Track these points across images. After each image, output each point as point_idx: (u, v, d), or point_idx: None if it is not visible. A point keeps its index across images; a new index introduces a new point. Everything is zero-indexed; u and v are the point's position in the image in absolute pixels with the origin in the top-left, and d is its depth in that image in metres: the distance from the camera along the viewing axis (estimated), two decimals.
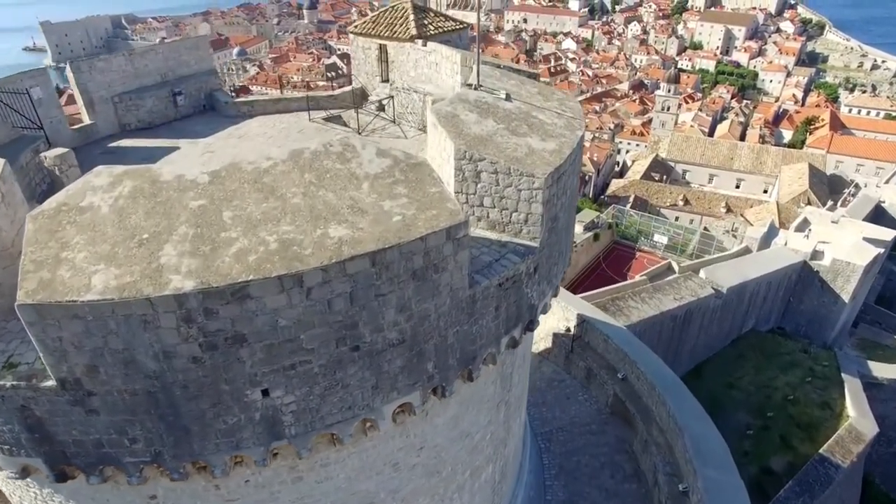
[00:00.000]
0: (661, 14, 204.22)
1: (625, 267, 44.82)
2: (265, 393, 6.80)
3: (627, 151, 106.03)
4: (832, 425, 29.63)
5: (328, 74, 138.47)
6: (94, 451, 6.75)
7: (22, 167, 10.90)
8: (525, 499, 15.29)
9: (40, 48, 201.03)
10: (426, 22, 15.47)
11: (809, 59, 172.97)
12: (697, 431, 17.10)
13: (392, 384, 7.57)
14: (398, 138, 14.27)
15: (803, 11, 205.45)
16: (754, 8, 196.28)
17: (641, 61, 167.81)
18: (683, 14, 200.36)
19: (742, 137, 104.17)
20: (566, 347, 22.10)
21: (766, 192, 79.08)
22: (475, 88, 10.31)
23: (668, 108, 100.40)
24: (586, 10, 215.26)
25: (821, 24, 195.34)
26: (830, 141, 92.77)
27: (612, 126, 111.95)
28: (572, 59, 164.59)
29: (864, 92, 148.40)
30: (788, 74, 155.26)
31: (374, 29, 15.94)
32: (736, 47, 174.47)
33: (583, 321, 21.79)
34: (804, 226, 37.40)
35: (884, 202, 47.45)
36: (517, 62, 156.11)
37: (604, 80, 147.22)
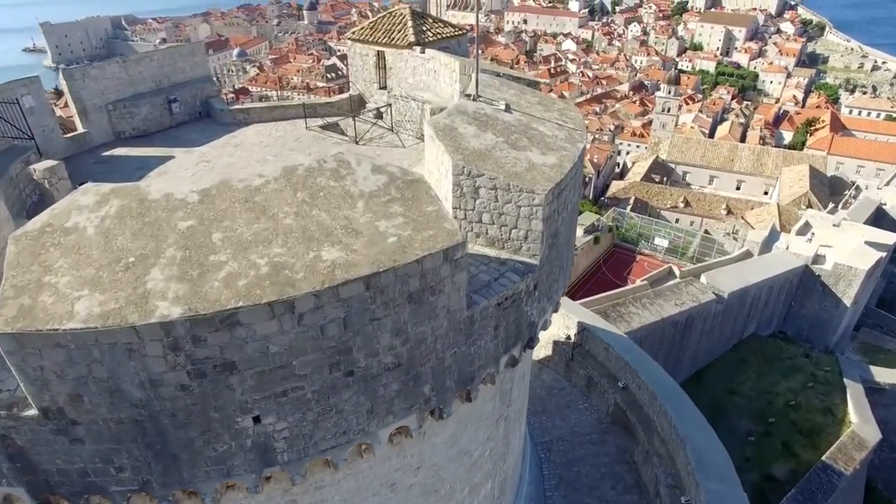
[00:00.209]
0: (661, 15, 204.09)
1: (625, 270, 44.65)
2: (256, 420, 6.59)
3: (628, 153, 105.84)
4: (834, 431, 29.42)
5: (328, 76, 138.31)
6: (79, 480, 6.53)
7: (12, 179, 10.70)
8: None
9: (40, 49, 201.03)
10: (424, 28, 15.25)
11: (810, 60, 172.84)
12: (699, 442, 16.89)
13: (388, 408, 7.36)
14: (396, 147, 14.06)
15: (803, 12, 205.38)
16: (754, 9, 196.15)
17: (641, 62, 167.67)
18: (683, 15, 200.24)
19: (742, 139, 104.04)
20: (566, 355, 21.88)
21: (766, 193, 78.88)
22: (474, 99, 10.09)
23: (669, 110, 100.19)
24: (586, 10, 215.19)
25: (821, 24, 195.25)
26: (831, 142, 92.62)
27: (612, 127, 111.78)
28: (572, 60, 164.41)
29: (864, 93, 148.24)
30: (789, 75, 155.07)
31: (371, 35, 15.73)
32: (736, 48, 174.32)
33: (583, 329, 21.58)
34: (805, 229, 37.19)
35: (885, 204, 47.26)
36: (517, 63, 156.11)
37: (604, 82, 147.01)
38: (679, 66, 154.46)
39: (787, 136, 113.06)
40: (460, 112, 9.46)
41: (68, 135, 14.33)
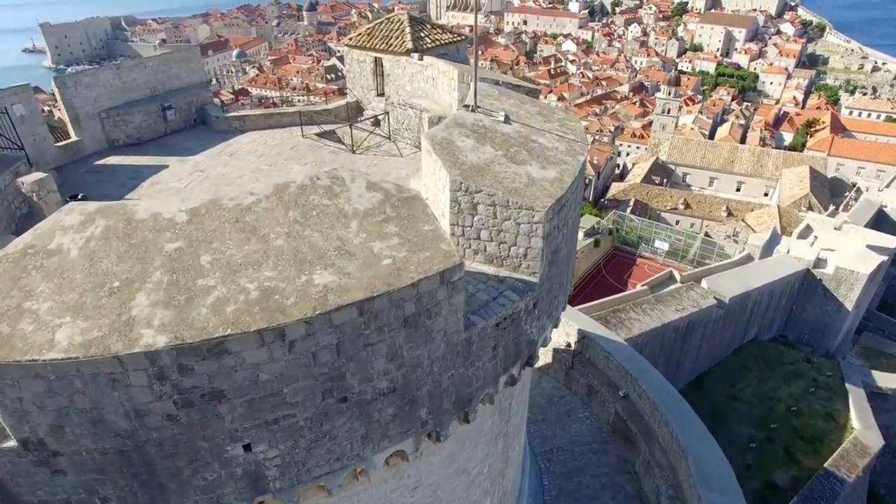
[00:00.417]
0: (661, 16, 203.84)
1: (625, 273, 44.45)
2: (247, 448, 6.36)
3: (628, 154, 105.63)
4: (836, 437, 29.20)
5: (328, 76, 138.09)
6: None
7: (0, 191, 10.48)
8: None
9: (40, 50, 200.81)
10: (423, 35, 15.03)
11: (810, 61, 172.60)
12: (701, 453, 16.67)
13: (383, 433, 7.14)
14: (394, 156, 13.84)
15: (803, 13, 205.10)
16: (754, 10, 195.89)
17: (641, 63, 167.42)
18: (683, 16, 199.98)
19: (742, 140, 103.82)
20: (566, 363, 21.66)
21: (766, 195, 78.70)
22: (472, 110, 9.87)
23: (669, 111, 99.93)
24: (586, 11, 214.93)
25: (821, 25, 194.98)
26: (831, 143, 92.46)
27: (612, 129, 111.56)
28: (572, 61, 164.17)
29: (864, 94, 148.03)
30: (789, 76, 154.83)
31: (369, 42, 15.51)
32: (736, 49, 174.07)
33: (583, 336, 21.36)
34: (807, 232, 37.00)
35: (886, 207, 47.07)
36: (517, 64, 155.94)
37: (604, 82, 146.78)
38: (679, 67, 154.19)
39: (788, 137, 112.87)
40: (458, 124, 9.24)
41: (60, 143, 14.10)
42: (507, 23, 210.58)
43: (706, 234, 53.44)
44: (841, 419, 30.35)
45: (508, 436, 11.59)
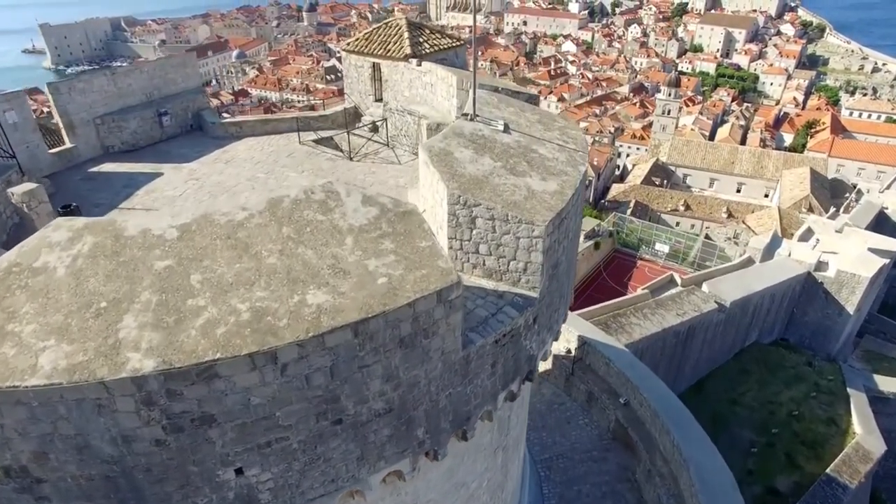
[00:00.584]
0: (661, 16, 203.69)
1: (626, 276, 44.25)
2: (239, 472, 6.17)
3: (628, 155, 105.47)
4: (838, 442, 29.03)
5: (327, 77, 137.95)
6: None
7: None
8: None
9: (39, 50, 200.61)
10: (421, 40, 14.85)
11: (810, 62, 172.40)
12: (703, 462, 16.50)
13: (379, 454, 6.96)
14: (392, 163, 13.65)
15: (803, 14, 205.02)
16: (754, 10, 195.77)
17: (641, 64, 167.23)
18: (683, 16, 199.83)
19: (743, 141, 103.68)
20: (567, 369, 21.48)
21: (767, 196, 78.54)
22: (471, 119, 9.68)
23: (669, 112, 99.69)
24: (586, 12, 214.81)
25: (821, 26, 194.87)
26: (831, 144, 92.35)
27: (612, 130, 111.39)
28: (572, 62, 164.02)
29: (864, 95, 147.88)
30: (789, 77, 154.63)
31: (367, 46, 15.33)
32: (736, 50, 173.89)
33: (584, 343, 21.18)
34: (808, 235, 36.84)
35: (886, 208, 46.92)
36: (517, 65, 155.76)
37: (604, 83, 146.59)
38: (679, 68, 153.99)
39: (788, 138, 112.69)
40: (457, 134, 9.06)
41: (54, 150, 13.91)
42: (507, 23, 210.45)
43: (707, 236, 53.19)
44: (843, 424, 30.19)
45: (508, 449, 11.40)
